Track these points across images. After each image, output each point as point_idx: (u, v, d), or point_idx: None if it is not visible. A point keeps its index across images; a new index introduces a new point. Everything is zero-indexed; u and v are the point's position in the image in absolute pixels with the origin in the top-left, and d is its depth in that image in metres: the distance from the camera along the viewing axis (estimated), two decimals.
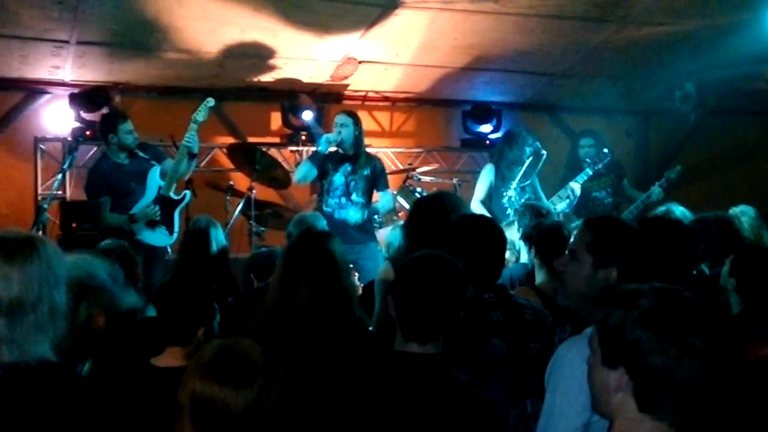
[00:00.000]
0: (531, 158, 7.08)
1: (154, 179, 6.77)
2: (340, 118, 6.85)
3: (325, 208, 6.85)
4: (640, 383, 1.85)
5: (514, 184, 6.96)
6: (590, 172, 7.32)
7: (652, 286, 1.91)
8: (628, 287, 1.96)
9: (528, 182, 7.11)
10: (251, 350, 2.20)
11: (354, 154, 6.85)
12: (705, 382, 1.81)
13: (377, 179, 6.95)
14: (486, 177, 7.32)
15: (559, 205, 7.19)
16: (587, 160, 7.54)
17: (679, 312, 1.83)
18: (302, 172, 6.96)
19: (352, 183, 6.82)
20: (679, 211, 5.36)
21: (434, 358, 2.60)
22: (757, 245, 5.05)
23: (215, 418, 2.06)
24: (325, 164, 6.83)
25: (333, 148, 6.84)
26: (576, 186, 7.28)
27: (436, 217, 3.89)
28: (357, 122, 6.86)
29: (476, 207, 7.06)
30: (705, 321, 1.82)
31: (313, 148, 9.44)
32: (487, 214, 6.40)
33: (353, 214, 6.79)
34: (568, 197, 7.26)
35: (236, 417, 2.06)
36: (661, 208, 5.50)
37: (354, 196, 6.81)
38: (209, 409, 2.06)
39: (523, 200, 6.95)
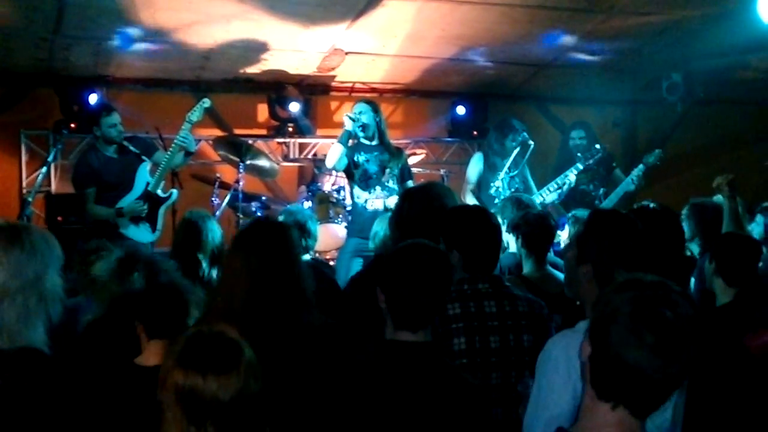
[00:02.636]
0: (518, 148, 7.07)
1: (143, 175, 6.73)
2: (357, 107, 6.76)
3: (355, 201, 6.71)
4: (594, 353, 1.90)
5: (502, 174, 6.96)
6: (581, 167, 7.20)
7: (654, 281, 1.93)
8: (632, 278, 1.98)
9: (516, 172, 7.10)
10: (228, 334, 2.18)
11: (381, 143, 6.73)
12: (651, 377, 1.83)
13: (405, 170, 6.83)
14: (475, 165, 7.32)
15: (549, 197, 7.15)
16: (579, 154, 7.44)
17: (651, 305, 1.85)
18: (336, 157, 6.56)
19: (388, 170, 6.65)
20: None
21: (426, 345, 2.68)
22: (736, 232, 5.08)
23: (203, 407, 2.04)
24: (354, 154, 6.63)
25: (360, 140, 6.69)
26: (572, 176, 7.14)
27: (426, 208, 3.88)
28: (376, 110, 6.76)
29: (467, 196, 7.05)
30: (670, 323, 1.83)
31: (301, 140, 9.48)
32: (477, 203, 6.40)
33: (389, 204, 6.52)
34: (560, 187, 7.16)
35: (226, 404, 2.04)
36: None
37: (391, 184, 6.64)
38: (196, 399, 2.04)
39: (512, 190, 6.93)
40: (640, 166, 7.41)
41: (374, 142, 6.71)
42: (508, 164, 7.00)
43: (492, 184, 6.96)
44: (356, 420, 2.59)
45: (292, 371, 2.84)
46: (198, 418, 2.05)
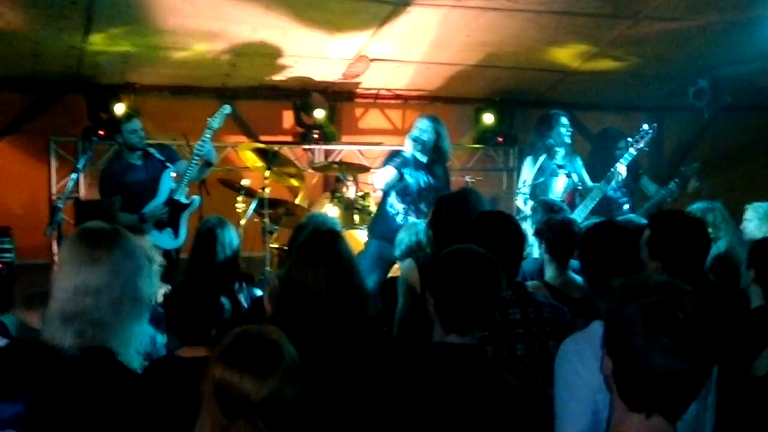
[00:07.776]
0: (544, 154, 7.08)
1: (167, 181, 6.75)
2: (420, 123, 6.48)
3: (387, 209, 6.54)
4: (618, 367, 1.91)
5: (529, 180, 6.94)
6: (634, 153, 6.99)
7: (659, 283, 1.94)
8: (639, 281, 1.99)
9: (542, 179, 7.05)
10: (273, 336, 2.22)
11: (429, 163, 6.50)
12: (679, 379, 1.84)
13: (444, 190, 6.53)
14: (526, 165, 7.33)
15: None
16: (628, 139, 7.18)
17: (663, 310, 1.85)
18: (388, 181, 6.42)
19: (425, 193, 6.51)
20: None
21: (474, 348, 2.74)
22: None
23: (235, 403, 2.10)
24: (401, 168, 6.43)
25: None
26: (621, 168, 6.92)
27: (458, 214, 3.93)
28: (439, 126, 6.50)
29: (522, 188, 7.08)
30: (684, 323, 1.84)
31: (326, 147, 9.51)
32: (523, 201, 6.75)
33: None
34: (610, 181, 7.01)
35: (257, 404, 2.08)
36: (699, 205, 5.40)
37: (423, 206, 6.48)
38: (230, 395, 2.09)
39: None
40: (678, 178, 7.37)
41: (424, 159, 6.49)
42: (535, 169, 7.02)
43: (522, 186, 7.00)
44: (407, 421, 2.64)
45: (355, 373, 2.92)
46: (231, 412, 2.10)
